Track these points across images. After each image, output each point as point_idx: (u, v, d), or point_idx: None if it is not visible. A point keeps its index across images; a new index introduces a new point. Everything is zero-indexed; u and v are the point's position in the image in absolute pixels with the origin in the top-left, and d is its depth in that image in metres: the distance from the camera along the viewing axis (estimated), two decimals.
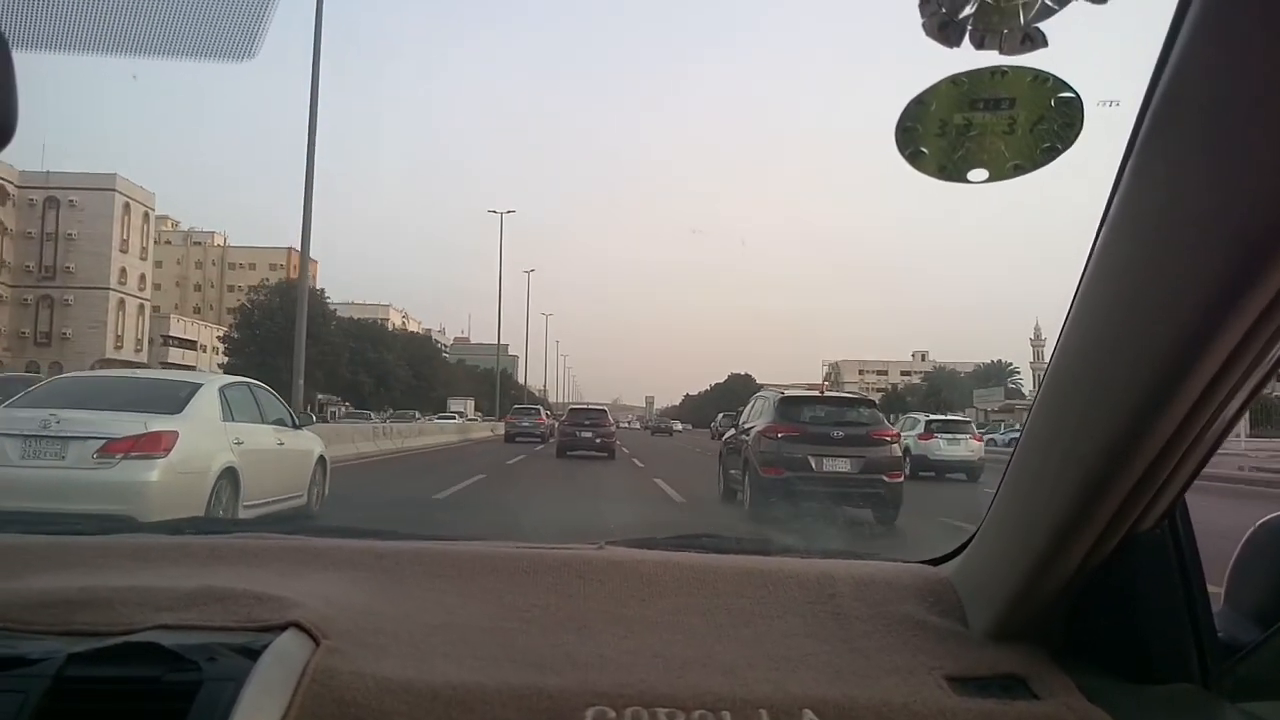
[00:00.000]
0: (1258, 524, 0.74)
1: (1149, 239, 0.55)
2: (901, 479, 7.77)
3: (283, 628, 0.71)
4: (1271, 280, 0.49)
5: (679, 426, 51.91)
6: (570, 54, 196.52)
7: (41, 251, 50.47)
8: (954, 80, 0.61)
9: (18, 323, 50.40)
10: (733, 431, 9.92)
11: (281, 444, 6.12)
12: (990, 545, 0.80)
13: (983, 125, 0.61)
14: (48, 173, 49.46)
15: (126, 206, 53.37)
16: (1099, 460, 0.61)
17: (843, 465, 7.68)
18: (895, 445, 8.10)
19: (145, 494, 4.61)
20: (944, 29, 0.62)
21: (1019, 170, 0.62)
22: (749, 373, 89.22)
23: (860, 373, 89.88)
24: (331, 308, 57.17)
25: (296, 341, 17.70)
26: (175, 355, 61.05)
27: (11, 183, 48.69)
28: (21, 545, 0.93)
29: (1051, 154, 0.62)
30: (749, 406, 9.77)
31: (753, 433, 8.29)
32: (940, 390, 62.11)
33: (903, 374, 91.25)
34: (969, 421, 17.48)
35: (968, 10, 0.62)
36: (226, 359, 46.49)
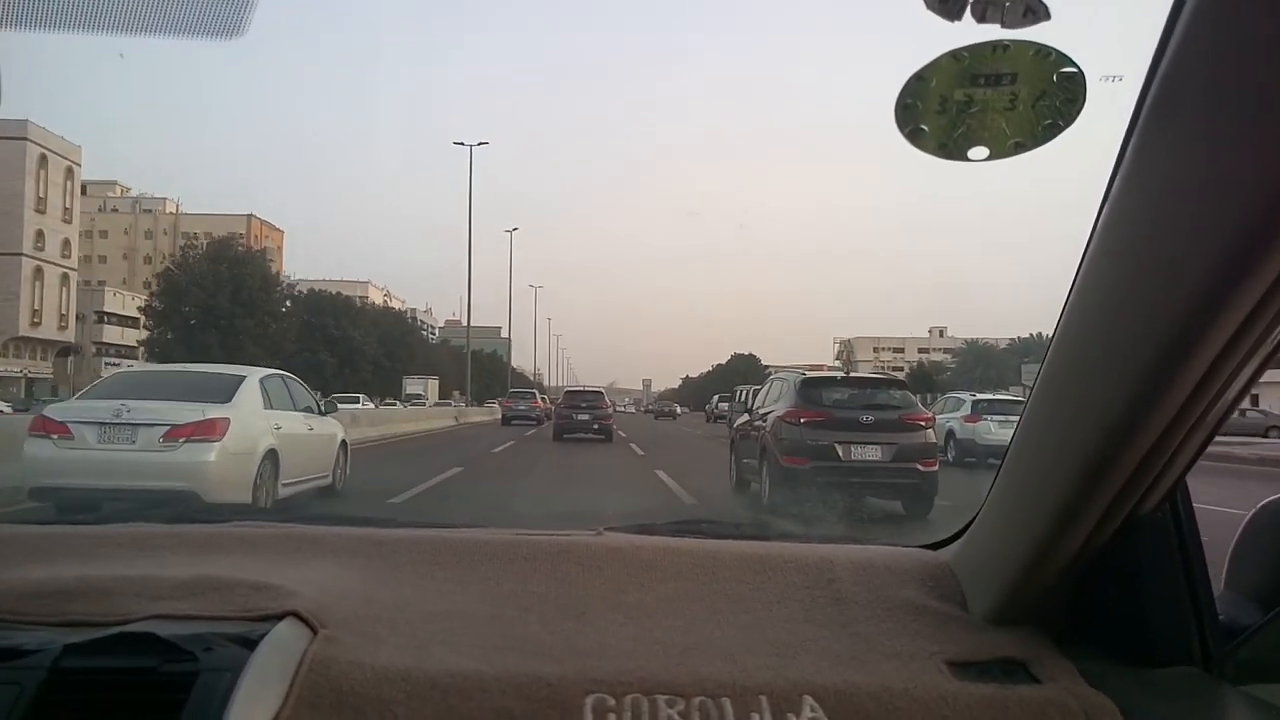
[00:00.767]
0: (1258, 506, 0.81)
1: (1151, 216, 0.60)
2: (936, 467, 7.77)
3: (280, 617, 0.77)
4: (1276, 258, 0.54)
5: (680, 410, 54.33)
6: (567, 30, 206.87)
7: None
8: (955, 55, 0.67)
9: None
10: (745, 417, 9.87)
11: (311, 429, 7.57)
12: (990, 529, 0.87)
13: (984, 101, 0.67)
14: None
15: (43, 159, 51.15)
16: (1100, 443, 0.67)
17: (873, 453, 7.65)
18: (929, 430, 8.07)
19: (205, 473, 5.97)
20: (945, 2, 0.68)
21: (1020, 147, 0.68)
22: (753, 353, 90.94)
23: (875, 350, 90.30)
24: (291, 280, 55.89)
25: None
26: (113, 334, 58.59)
27: None
28: (16, 535, 1.01)
29: (1053, 130, 0.68)
30: (764, 389, 9.74)
31: (770, 418, 8.25)
32: (977, 366, 61.86)
33: (920, 351, 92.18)
34: (1021, 401, 16.86)
35: None
36: (147, 333, 43.30)
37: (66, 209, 54.27)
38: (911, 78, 0.69)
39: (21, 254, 50.02)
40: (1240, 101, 0.52)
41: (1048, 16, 0.67)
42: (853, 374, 10.27)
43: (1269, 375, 0.70)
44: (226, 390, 6.62)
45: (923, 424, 8.04)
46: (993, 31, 0.67)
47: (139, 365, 8.57)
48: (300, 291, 57.05)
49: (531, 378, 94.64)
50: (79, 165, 55.68)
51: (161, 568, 0.90)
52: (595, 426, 18.81)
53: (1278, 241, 0.53)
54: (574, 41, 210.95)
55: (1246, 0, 0.51)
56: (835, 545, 1.02)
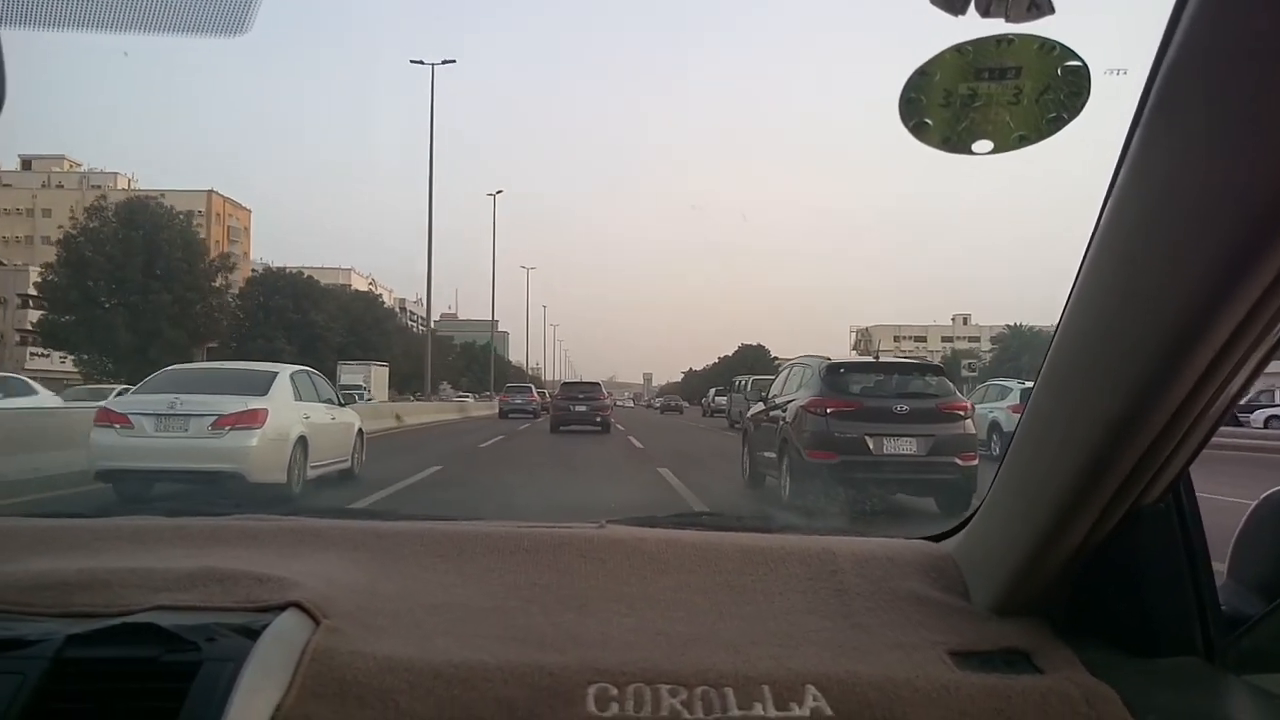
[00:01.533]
0: (1261, 497, 0.90)
1: (1154, 210, 0.66)
2: (976, 461, 7.69)
3: (282, 608, 0.85)
4: (1278, 252, 0.60)
5: (686, 405, 57.24)
6: (570, 22, 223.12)
7: None
8: (959, 49, 0.74)
9: None
10: (760, 407, 9.84)
11: (333, 419, 9.45)
12: (993, 520, 0.96)
13: (988, 95, 0.75)
14: None
15: None
16: (1103, 434, 0.74)
17: (907, 446, 7.57)
18: (969, 420, 8.02)
19: (249, 456, 7.62)
20: None
21: (1024, 141, 0.76)
22: (761, 344, 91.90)
23: (896, 339, 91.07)
24: (260, 263, 57.35)
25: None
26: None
27: None
28: (19, 528, 1.11)
29: (1058, 124, 0.76)
30: (782, 376, 9.68)
31: (792, 408, 8.20)
32: (1021, 354, 61.59)
33: (944, 340, 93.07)
34: None
35: None
36: (42, 313, 39.57)
37: None
38: (915, 72, 0.76)
39: None
40: (1244, 96, 0.58)
41: (1052, 11, 0.75)
42: (883, 358, 10.10)
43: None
44: (263, 384, 8.35)
45: (961, 413, 7.95)
46: (997, 26, 0.76)
47: (181, 365, 9.87)
48: (257, 269, 56.07)
49: (528, 371, 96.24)
50: None
51: (163, 560, 0.98)
52: (593, 418, 20.59)
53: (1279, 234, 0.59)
54: (577, 35, 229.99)
55: None
56: (838, 537, 1.11)
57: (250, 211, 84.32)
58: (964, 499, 7.48)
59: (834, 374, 8.27)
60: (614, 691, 0.78)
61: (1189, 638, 0.85)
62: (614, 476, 10.87)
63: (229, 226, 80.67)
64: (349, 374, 40.78)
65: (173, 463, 7.53)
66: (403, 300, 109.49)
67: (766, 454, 8.92)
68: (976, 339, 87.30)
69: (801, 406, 8.00)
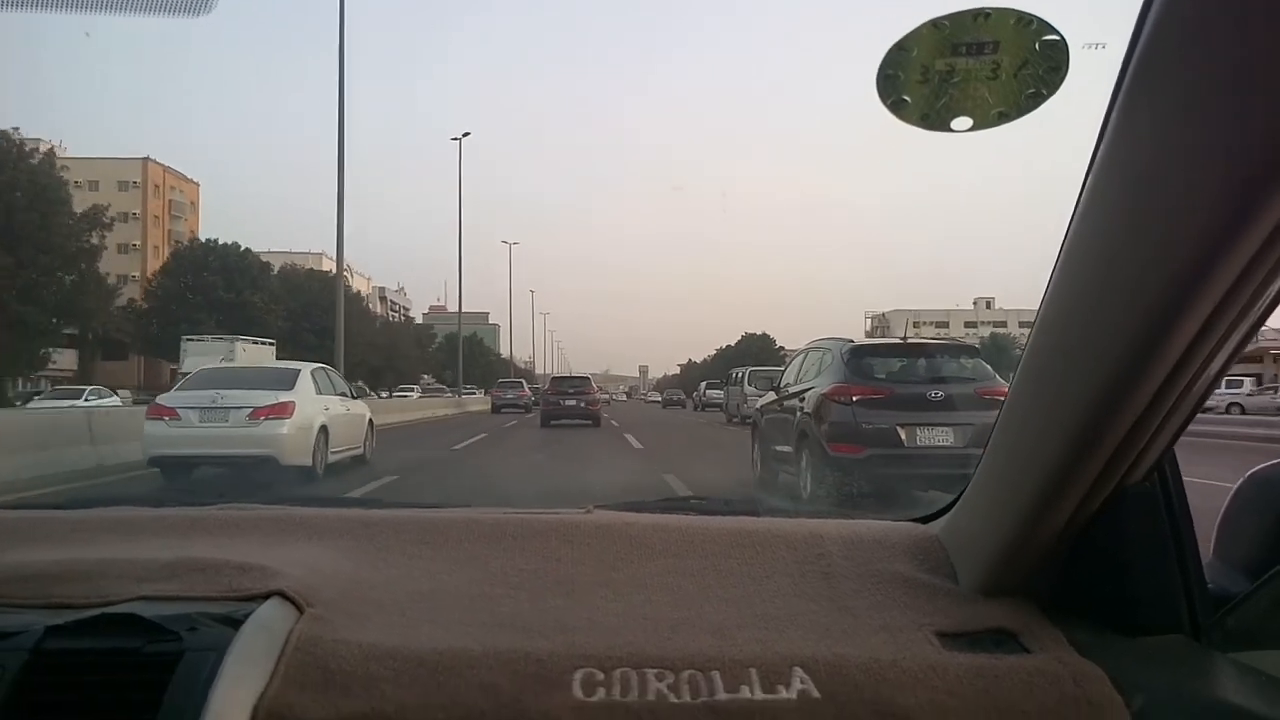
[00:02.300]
0: (1246, 475, 0.98)
1: (1133, 188, 0.72)
2: None
3: (266, 596, 0.92)
4: (1260, 225, 0.66)
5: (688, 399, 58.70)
6: (553, 14, 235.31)
7: None
8: (935, 24, 0.81)
9: None
10: (771, 396, 9.71)
11: (348, 410, 11.78)
12: (979, 501, 1.04)
13: (966, 70, 0.82)
14: None
15: None
16: (1087, 412, 0.81)
17: (943, 437, 7.37)
18: None
19: (281, 442, 9.74)
20: None
21: (1003, 117, 0.83)
22: (766, 332, 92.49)
23: (915, 325, 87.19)
24: (212, 242, 53.39)
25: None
26: None
27: None
28: None
29: (1037, 99, 0.83)
30: (796, 363, 9.50)
31: (811, 397, 8.03)
32: None
33: (967, 325, 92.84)
34: None
35: None
36: None
37: None
38: (893, 47, 0.84)
39: None
40: (1225, 67, 0.63)
41: None
42: (912, 340, 9.56)
43: None
44: (289, 380, 10.54)
45: (1004, 399, 7.64)
46: (973, 1, 0.83)
47: (218, 365, 13.55)
48: (180, 243, 53.38)
49: (519, 365, 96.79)
50: None
51: (145, 550, 1.06)
52: (583, 409, 22.75)
53: (1261, 211, 0.63)
54: (564, 29, 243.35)
55: None
56: (824, 520, 1.20)
57: (198, 185, 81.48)
58: None
59: (859, 357, 8.05)
60: (600, 676, 0.85)
61: (1175, 616, 0.93)
62: (609, 487, 10.80)
63: (170, 200, 76.82)
64: (197, 354, 32.14)
65: (216, 449, 9.76)
66: (382, 289, 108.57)
67: (780, 448, 8.81)
68: (1003, 323, 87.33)
69: (823, 394, 7.81)
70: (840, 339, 8.87)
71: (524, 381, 44.03)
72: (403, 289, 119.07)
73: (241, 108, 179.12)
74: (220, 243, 55.84)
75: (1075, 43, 0.81)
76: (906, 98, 0.83)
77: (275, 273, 60.59)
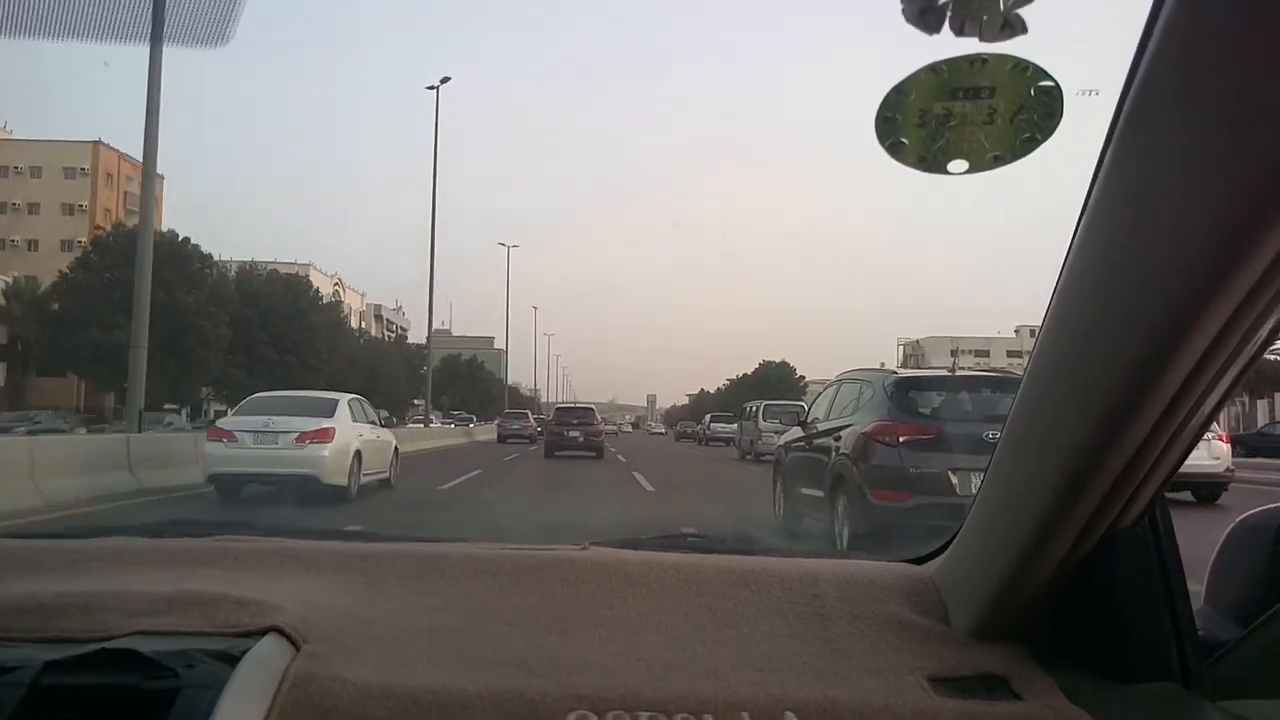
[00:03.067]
0: (1236, 521, 1.02)
1: (1126, 233, 0.76)
2: None
3: (262, 632, 0.95)
4: (1249, 272, 0.69)
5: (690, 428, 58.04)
6: (559, 37, 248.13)
7: None
8: (934, 69, 0.86)
9: None
10: (797, 432, 9.27)
11: (377, 437, 13.55)
12: (972, 543, 1.07)
13: (963, 114, 0.87)
14: None
15: None
16: (1077, 457, 0.85)
17: None
18: None
19: (323, 463, 11.43)
20: (924, 15, 0.90)
21: (999, 160, 0.89)
22: (786, 360, 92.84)
23: (953, 354, 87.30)
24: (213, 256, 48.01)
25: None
26: None
27: None
28: None
29: (1032, 143, 0.89)
30: (826, 397, 9.00)
31: (850, 436, 7.55)
32: None
33: (1010, 354, 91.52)
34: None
35: None
36: None
37: None
38: (891, 90, 0.90)
39: None
40: (1214, 117, 0.67)
41: (1025, 30, 0.89)
42: (961, 372, 9.11)
43: None
44: (330, 408, 12.44)
45: None
46: (971, 45, 0.90)
47: (265, 393, 14.26)
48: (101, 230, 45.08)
49: (520, 392, 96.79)
50: None
51: (144, 582, 1.09)
52: (587, 441, 24.54)
53: (1250, 255, 0.66)
54: (573, 59, 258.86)
55: (1221, 13, 0.65)
56: (819, 560, 1.24)
57: (163, 178, 69.12)
58: None
59: (904, 391, 7.55)
60: (593, 718, 0.89)
61: (1166, 663, 0.96)
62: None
63: (126, 193, 67.43)
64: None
65: (267, 468, 11.52)
66: (378, 306, 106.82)
67: (808, 491, 8.36)
68: None
69: (864, 434, 7.27)
70: (882, 370, 8.42)
71: (529, 413, 47.52)
72: (400, 308, 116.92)
73: (236, 101, 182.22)
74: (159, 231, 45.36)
75: (1070, 89, 0.87)
76: (904, 140, 0.88)
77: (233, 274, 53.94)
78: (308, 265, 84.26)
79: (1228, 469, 12.56)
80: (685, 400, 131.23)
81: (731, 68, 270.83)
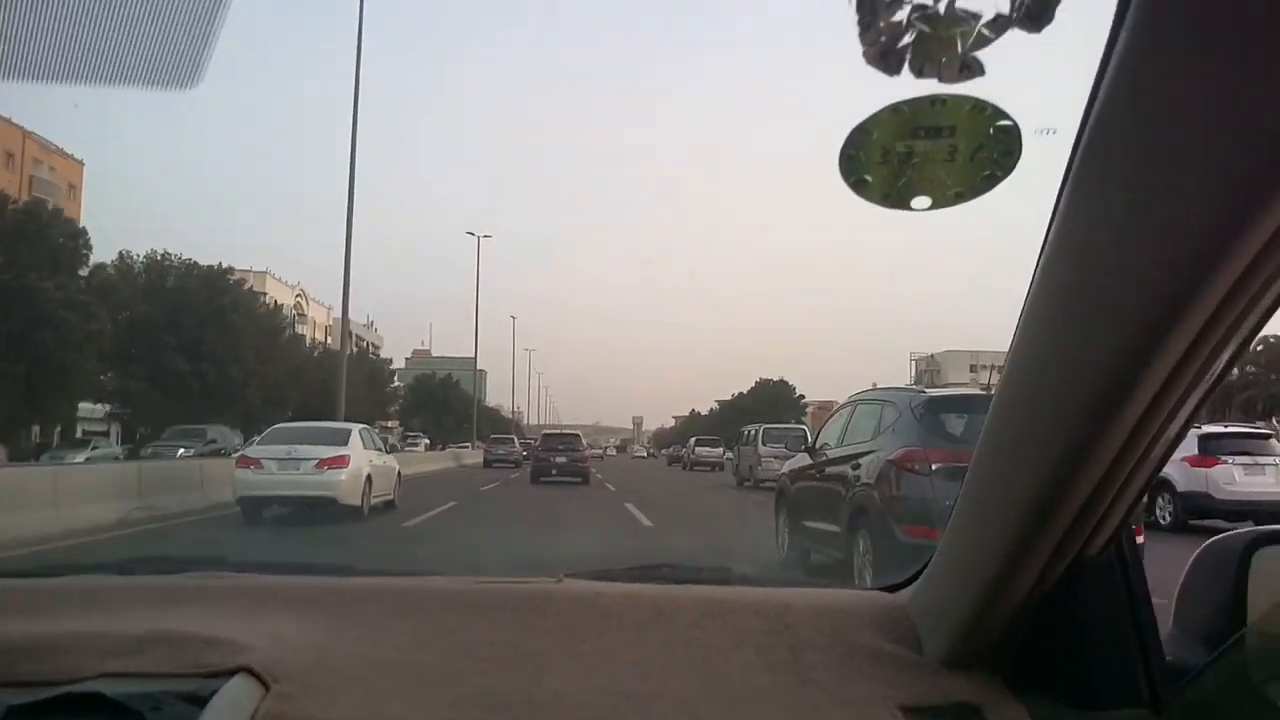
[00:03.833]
0: (1203, 545, 1.06)
1: (1084, 267, 0.81)
2: (1143, 538, 5.11)
3: (232, 673, 0.98)
4: (1204, 305, 0.73)
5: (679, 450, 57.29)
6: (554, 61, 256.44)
7: None
8: (895, 109, 0.92)
9: None
10: (804, 460, 8.78)
11: (384, 463, 15.70)
12: (944, 571, 1.11)
13: (924, 152, 0.93)
14: None
15: None
16: (1043, 485, 0.89)
17: None
18: None
19: (340, 486, 13.58)
20: (884, 58, 0.97)
21: (960, 198, 0.97)
22: (784, 379, 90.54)
23: (972, 369, 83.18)
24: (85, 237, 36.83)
25: None
26: None
27: None
28: None
29: (992, 181, 0.96)
30: (842, 416, 8.59)
31: (871, 463, 7.14)
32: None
33: None
34: (1270, 435, 14.84)
35: (906, 40, 0.97)
36: None
37: None
38: (855, 129, 0.97)
39: None
40: (1166, 154, 0.72)
41: (983, 73, 0.96)
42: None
43: None
44: (344, 437, 14.64)
45: None
46: (931, 86, 0.97)
47: (285, 424, 18.01)
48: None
49: (505, 415, 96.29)
50: None
51: (115, 622, 1.11)
52: (573, 469, 26.02)
53: (1205, 286, 0.70)
54: (558, 72, 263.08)
55: (1172, 57, 0.71)
56: (794, 589, 1.29)
57: (82, 164, 62.95)
58: None
59: (935, 413, 7.05)
60: None
61: (1135, 689, 1.00)
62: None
63: (32, 177, 56.77)
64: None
65: (291, 491, 13.58)
66: (341, 319, 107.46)
67: (819, 525, 7.95)
68: None
69: (890, 461, 6.83)
70: (908, 388, 7.92)
71: (515, 438, 48.98)
72: (373, 324, 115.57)
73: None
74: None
75: (1028, 128, 0.93)
76: (868, 176, 0.94)
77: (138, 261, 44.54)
78: (264, 273, 78.64)
79: None
80: (672, 423, 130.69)
81: (711, 72, 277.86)
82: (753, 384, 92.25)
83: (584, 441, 29.05)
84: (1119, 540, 1.02)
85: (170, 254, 47.31)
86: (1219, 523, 11.81)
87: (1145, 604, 1.03)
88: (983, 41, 0.93)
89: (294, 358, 53.13)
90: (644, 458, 76.41)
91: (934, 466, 6.63)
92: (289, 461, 13.87)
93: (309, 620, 1.19)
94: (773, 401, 78.76)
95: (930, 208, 0.96)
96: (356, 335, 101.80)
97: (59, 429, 41.16)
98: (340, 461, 13.95)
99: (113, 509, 12.98)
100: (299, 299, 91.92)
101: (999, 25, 0.85)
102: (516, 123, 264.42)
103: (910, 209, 0.97)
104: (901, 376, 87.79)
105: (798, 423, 42.56)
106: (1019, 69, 1.01)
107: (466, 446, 57.51)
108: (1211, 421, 20.40)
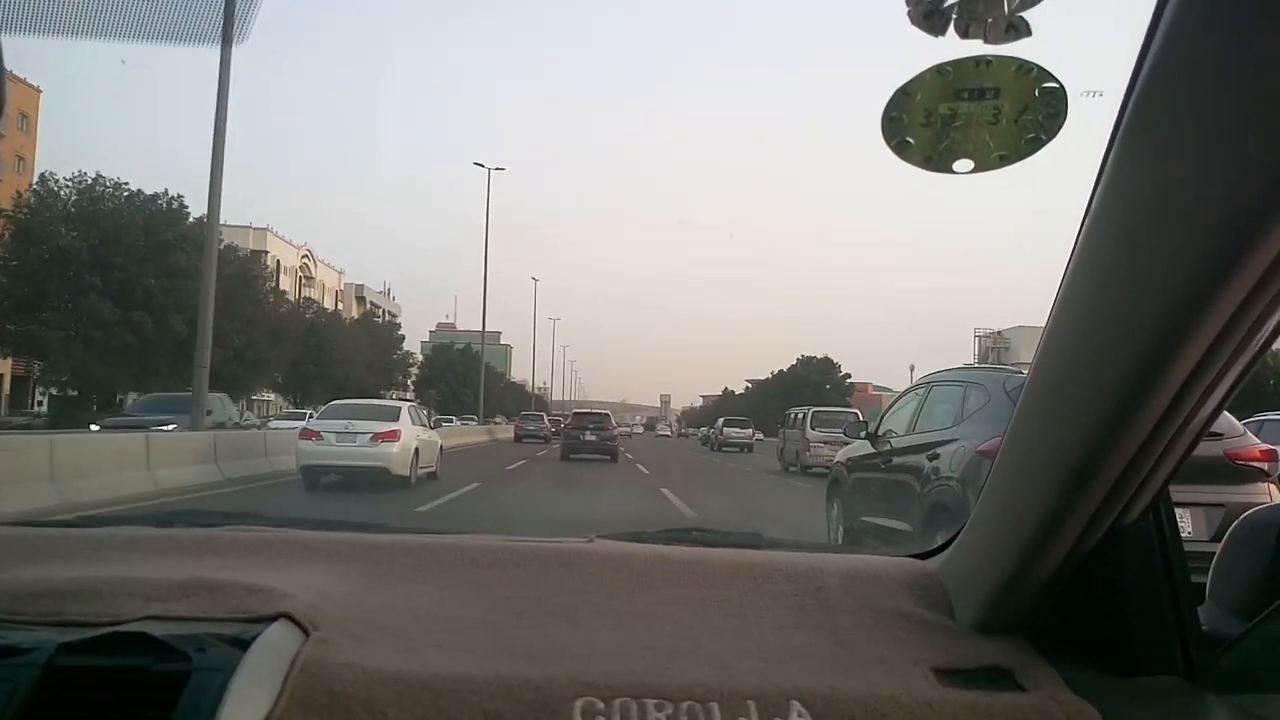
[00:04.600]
0: (1240, 519, 1.08)
1: (1129, 232, 0.82)
2: None
3: (273, 619, 1.03)
4: (1252, 270, 0.75)
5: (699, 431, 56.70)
6: (578, 48, 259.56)
7: None
8: (939, 70, 0.93)
9: None
10: (865, 448, 8.31)
11: (429, 438, 17.96)
12: (977, 538, 1.14)
13: (968, 115, 0.95)
14: None
15: None
16: (1082, 453, 0.91)
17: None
18: (1271, 482, 5.89)
19: (392, 458, 15.81)
20: (929, 18, 1.00)
21: (1004, 160, 0.99)
22: (829, 356, 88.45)
23: None
24: (70, 179, 36.48)
25: None
26: None
27: None
28: (12, 537, 1.31)
29: (1036, 144, 0.98)
30: (911, 400, 8.12)
31: (952, 454, 6.57)
32: None
33: None
34: None
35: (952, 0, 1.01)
36: None
37: None
38: (897, 91, 0.94)
39: None
40: (1217, 118, 0.73)
41: (1029, 33, 0.97)
42: None
43: None
44: (395, 414, 16.74)
45: (1260, 465, 5.90)
46: (976, 47, 1.01)
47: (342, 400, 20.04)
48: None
49: (533, 391, 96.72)
50: None
51: (155, 570, 1.17)
52: (603, 448, 28.27)
53: (1254, 253, 0.73)
54: (582, 64, 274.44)
55: (1223, 15, 0.72)
56: (825, 554, 1.32)
57: (39, 92, 59.40)
58: None
59: None
60: (600, 705, 0.95)
61: (1170, 657, 1.03)
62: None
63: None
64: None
65: (348, 461, 15.60)
66: (360, 286, 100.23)
67: (883, 522, 7.50)
68: None
69: (981, 452, 6.14)
70: (997, 368, 7.27)
71: (544, 415, 54.32)
72: (389, 291, 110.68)
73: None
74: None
75: (1074, 90, 0.93)
76: (910, 139, 0.96)
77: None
78: (264, 229, 75.07)
79: None
80: (700, 402, 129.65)
81: (749, 59, 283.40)
82: (795, 360, 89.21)
83: (613, 420, 30.94)
84: (1156, 508, 1.04)
85: (104, 177, 39.76)
86: None
87: (1182, 572, 1.05)
88: (1030, 1, 0.97)
89: (276, 315, 47.04)
90: (667, 436, 75.41)
91: None
92: (346, 435, 16.01)
93: (345, 572, 1.25)
94: (817, 381, 76.53)
95: (974, 170, 0.98)
96: (370, 301, 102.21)
97: None
98: (392, 436, 16.01)
99: (193, 473, 15.15)
100: (305, 259, 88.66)
101: None
102: (546, 77, 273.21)
103: (954, 172, 0.99)
104: (963, 355, 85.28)
105: (845, 405, 41.72)
106: (1066, 31, 1.05)
107: (499, 421, 61.71)
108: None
